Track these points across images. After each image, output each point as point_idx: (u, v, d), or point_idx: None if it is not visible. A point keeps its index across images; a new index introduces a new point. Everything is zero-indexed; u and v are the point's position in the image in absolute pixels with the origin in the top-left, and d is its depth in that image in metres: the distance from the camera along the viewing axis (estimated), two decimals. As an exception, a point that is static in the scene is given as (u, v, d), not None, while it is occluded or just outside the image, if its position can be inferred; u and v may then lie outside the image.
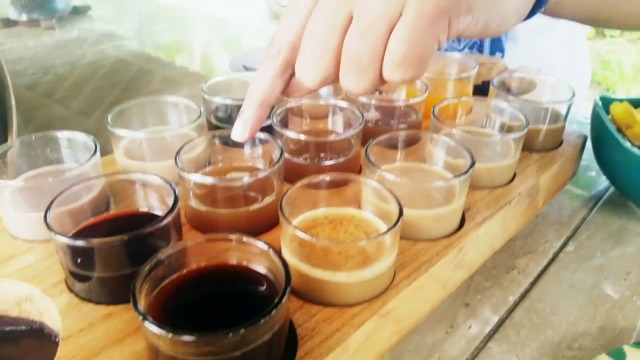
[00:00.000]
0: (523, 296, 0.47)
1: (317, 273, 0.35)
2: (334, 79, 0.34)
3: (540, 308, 0.46)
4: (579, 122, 0.77)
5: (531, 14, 0.40)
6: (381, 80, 0.33)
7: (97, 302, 0.36)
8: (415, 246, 0.42)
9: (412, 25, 0.30)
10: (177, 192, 0.39)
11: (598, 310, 0.46)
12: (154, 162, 0.49)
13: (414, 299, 0.39)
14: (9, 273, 0.39)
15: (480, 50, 0.91)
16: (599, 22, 0.51)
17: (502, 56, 0.90)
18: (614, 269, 0.51)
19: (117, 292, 0.36)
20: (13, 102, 0.69)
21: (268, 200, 0.44)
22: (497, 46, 0.90)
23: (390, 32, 0.31)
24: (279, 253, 0.32)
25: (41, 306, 0.37)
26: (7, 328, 0.39)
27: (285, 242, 0.37)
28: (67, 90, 0.93)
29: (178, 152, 0.43)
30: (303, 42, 0.33)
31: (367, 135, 0.53)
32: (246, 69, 0.87)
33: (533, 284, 0.49)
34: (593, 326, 0.44)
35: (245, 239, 0.34)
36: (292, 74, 0.36)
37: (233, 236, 0.34)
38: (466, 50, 0.91)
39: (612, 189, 0.62)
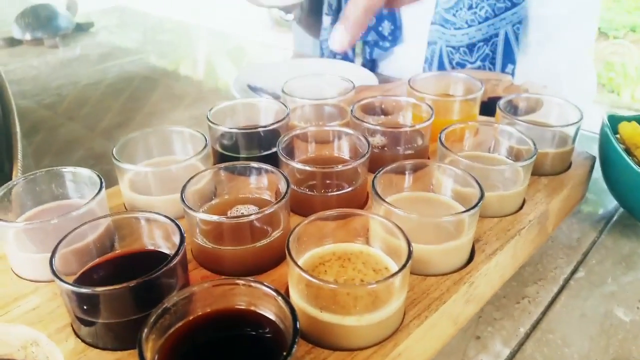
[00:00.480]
0: (534, 327, 0.47)
1: (326, 317, 0.35)
2: None
3: (552, 339, 0.45)
4: (587, 136, 0.76)
5: None
6: None
7: (104, 348, 0.36)
8: (425, 282, 0.41)
9: None
10: (182, 231, 0.38)
11: (611, 341, 0.45)
12: (160, 196, 0.48)
13: (424, 338, 0.38)
14: (15, 316, 0.39)
15: (493, 62, 0.90)
16: None
17: (514, 67, 0.89)
18: (626, 296, 0.50)
19: (124, 338, 0.36)
20: (18, 128, 0.68)
21: (276, 234, 0.43)
22: (509, 58, 0.89)
23: None
24: (286, 299, 0.32)
25: (47, 351, 0.37)
26: (14, 372, 0.38)
27: (292, 283, 0.37)
28: (72, 110, 0.93)
29: (183, 189, 0.43)
30: None
31: (373, 161, 0.52)
32: (250, 88, 0.87)
33: (544, 313, 0.48)
34: (606, 358, 0.44)
35: (252, 283, 0.33)
36: None
37: (240, 281, 0.33)
38: (478, 62, 0.91)
39: (621, 209, 0.61)
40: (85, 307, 0.35)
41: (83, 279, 0.39)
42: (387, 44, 1.03)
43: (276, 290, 0.33)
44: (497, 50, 0.89)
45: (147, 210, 0.47)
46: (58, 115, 0.92)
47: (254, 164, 0.46)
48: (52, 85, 1.02)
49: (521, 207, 0.50)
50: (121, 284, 0.34)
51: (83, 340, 0.37)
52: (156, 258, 0.40)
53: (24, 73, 1.07)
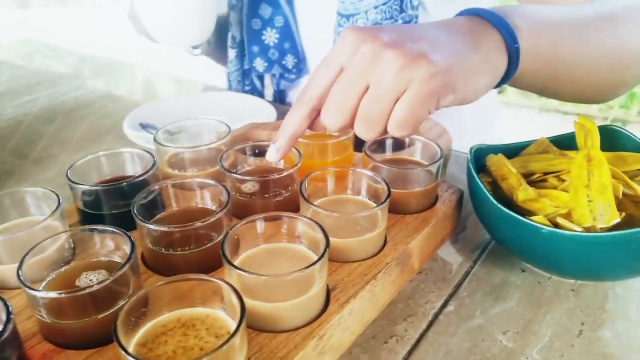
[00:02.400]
0: (399, 369, 0.47)
1: (155, 394, 0.34)
2: (349, 127, 0.46)
3: (415, 381, 0.46)
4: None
5: (498, 85, 0.51)
6: (385, 132, 0.45)
7: None
8: (275, 339, 0.41)
9: (411, 100, 0.42)
10: (9, 309, 0.37)
11: (472, 377, 0.46)
12: (11, 265, 0.46)
13: (269, 400, 0.38)
14: None
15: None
16: (548, 94, 0.63)
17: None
18: (492, 329, 0.51)
19: None
20: None
21: (123, 302, 0.42)
22: None
23: (396, 101, 0.43)
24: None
25: None
26: None
27: (123, 360, 0.36)
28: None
29: (21, 262, 0.41)
30: (329, 97, 0.46)
31: (244, 208, 0.52)
32: (142, 126, 0.85)
33: (410, 352, 0.49)
34: (464, 396, 0.45)
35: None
36: (316, 116, 0.47)
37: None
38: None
39: (496, 237, 0.63)
40: None
41: None
42: (293, 76, 1.04)
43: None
44: None
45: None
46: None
47: (100, 227, 0.45)
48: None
49: (382, 249, 0.50)
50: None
51: None
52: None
53: None
